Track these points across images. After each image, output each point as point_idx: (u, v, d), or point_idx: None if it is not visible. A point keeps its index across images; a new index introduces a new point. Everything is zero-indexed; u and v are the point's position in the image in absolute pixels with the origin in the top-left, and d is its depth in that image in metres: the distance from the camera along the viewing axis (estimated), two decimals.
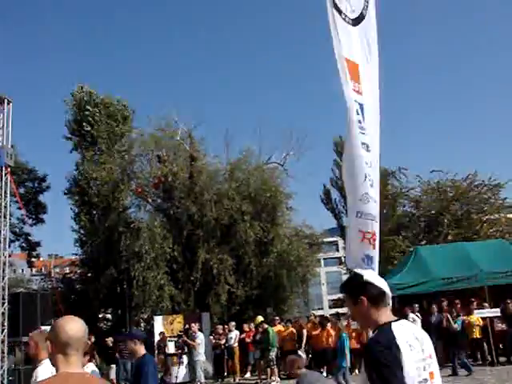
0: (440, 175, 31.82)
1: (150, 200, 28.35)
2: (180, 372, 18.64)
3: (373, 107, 6.33)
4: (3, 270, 14.13)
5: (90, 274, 31.40)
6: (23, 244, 35.08)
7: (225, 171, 28.26)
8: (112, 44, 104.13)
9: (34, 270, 55.45)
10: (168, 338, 19.44)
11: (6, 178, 13.80)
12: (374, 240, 5.88)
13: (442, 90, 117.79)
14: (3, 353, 13.69)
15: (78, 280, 33.55)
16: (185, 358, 18.39)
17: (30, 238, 34.72)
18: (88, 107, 30.62)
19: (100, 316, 33.33)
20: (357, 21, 6.54)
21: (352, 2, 6.46)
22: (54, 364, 2.63)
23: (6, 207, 13.89)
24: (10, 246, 14.26)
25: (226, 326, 20.29)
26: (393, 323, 2.99)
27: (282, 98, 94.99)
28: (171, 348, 19.29)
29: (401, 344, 2.86)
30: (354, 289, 3.16)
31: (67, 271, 40.18)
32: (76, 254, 33.61)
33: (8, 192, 13.98)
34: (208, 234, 25.66)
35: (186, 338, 17.80)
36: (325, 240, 36.55)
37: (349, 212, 6.03)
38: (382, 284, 3.16)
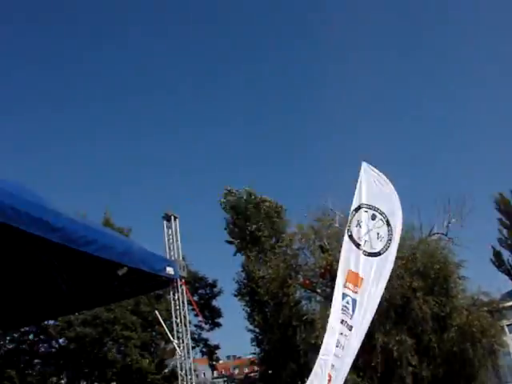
0: None
1: (318, 290, 28.39)
2: None
3: (368, 306, 8.20)
4: (190, 377, 14.68)
5: (270, 372, 31.65)
6: (203, 349, 36.23)
7: None
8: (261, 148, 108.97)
9: (215, 373, 56.82)
10: None
11: (182, 289, 14.58)
12: None
13: None
14: None
15: (259, 378, 33.94)
16: None
17: (208, 342, 35.82)
18: (249, 207, 31.89)
19: None
20: (372, 255, 8.55)
21: (373, 243, 8.50)
22: None
23: (185, 316, 14.58)
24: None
25: None
26: None
27: (438, 165, 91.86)
28: None
29: None
30: None
31: (246, 371, 40.78)
32: (254, 353, 34.19)
33: (185, 302, 14.71)
34: (383, 316, 24.97)
35: None
36: (506, 305, 34.02)
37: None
38: None
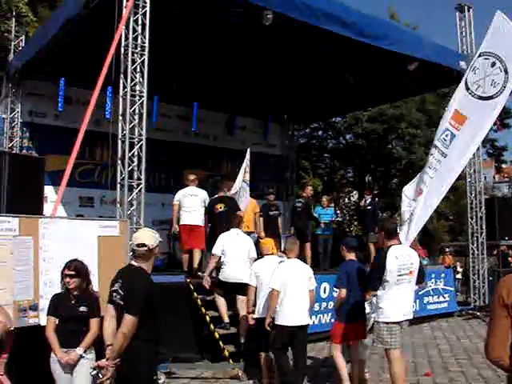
0: None
1: None
2: None
3: (465, 144, 8.65)
4: (479, 177, 14.56)
5: None
6: (489, 150, 34.96)
7: None
8: None
9: (497, 177, 55.19)
10: None
11: None
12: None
13: None
14: (483, 254, 14.19)
15: None
16: None
17: (495, 143, 34.38)
18: None
19: None
20: (483, 98, 8.87)
21: (486, 88, 8.92)
22: None
23: None
24: None
25: None
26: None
27: None
28: None
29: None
30: None
31: None
32: None
33: None
34: None
35: None
36: None
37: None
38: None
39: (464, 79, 9.39)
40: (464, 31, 13.68)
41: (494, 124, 31.66)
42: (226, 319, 8.69)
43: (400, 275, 6.07)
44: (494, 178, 55.16)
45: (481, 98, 9.09)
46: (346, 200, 32.69)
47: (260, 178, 15.60)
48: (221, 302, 8.73)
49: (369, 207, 13.68)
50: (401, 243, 6.58)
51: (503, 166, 43.31)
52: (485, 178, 61.45)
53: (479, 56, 9.46)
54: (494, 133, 32.29)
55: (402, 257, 6.15)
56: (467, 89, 9.27)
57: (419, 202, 9.04)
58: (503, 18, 9.86)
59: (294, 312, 6.74)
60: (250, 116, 17.03)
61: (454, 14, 13.88)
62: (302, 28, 10.96)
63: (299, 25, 10.50)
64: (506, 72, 9.18)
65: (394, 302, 6.05)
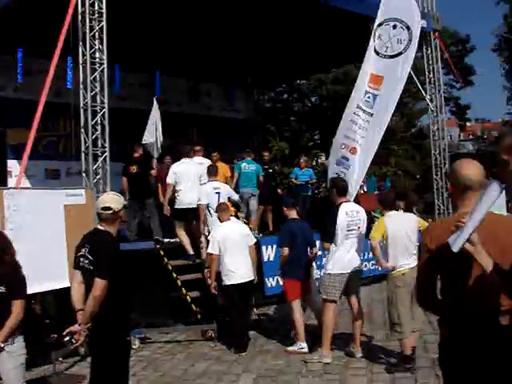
0: None
1: None
2: None
3: (387, 99, 9.88)
4: (442, 133, 14.71)
5: None
6: (453, 108, 35.29)
7: None
8: None
9: (462, 135, 55.82)
10: None
11: (436, 44, 13.99)
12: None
13: None
14: (449, 209, 14.33)
15: None
16: None
17: (459, 101, 34.71)
18: None
19: None
20: (394, 56, 10.11)
21: (394, 47, 10.09)
22: (454, 204, 2.76)
23: (438, 71, 14.27)
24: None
25: None
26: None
27: None
28: None
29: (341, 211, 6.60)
30: None
31: (496, 135, 39.38)
32: (509, 113, 32.53)
33: (438, 57, 14.24)
34: None
35: None
36: None
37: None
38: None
39: (372, 48, 10.23)
40: None
41: (457, 81, 31.96)
42: (191, 251, 9.25)
43: (349, 230, 6.66)
44: (459, 136, 55.74)
45: (391, 56, 10.10)
46: (314, 163, 32.83)
47: (227, 143, 15.56)
48: (183, 237, 9.34)
49: None
50: (349, 200, 7.25)
51: (467, 124, 43.86)
52: (450, 136, 62.23)
53: (379, 25, 10.38)
54: (458, 90, 32.55)
55: (351, 213, 6.76)
56: (377, 53, 10.24)
57: (355, 159, 9.85)
58: None
59: (237, 270, 7.28)
60: (214, 82, 16.91)
61: None
62: None
63: None
64: (409, 28, 10.24)
65: (343, 254, 6.64)
